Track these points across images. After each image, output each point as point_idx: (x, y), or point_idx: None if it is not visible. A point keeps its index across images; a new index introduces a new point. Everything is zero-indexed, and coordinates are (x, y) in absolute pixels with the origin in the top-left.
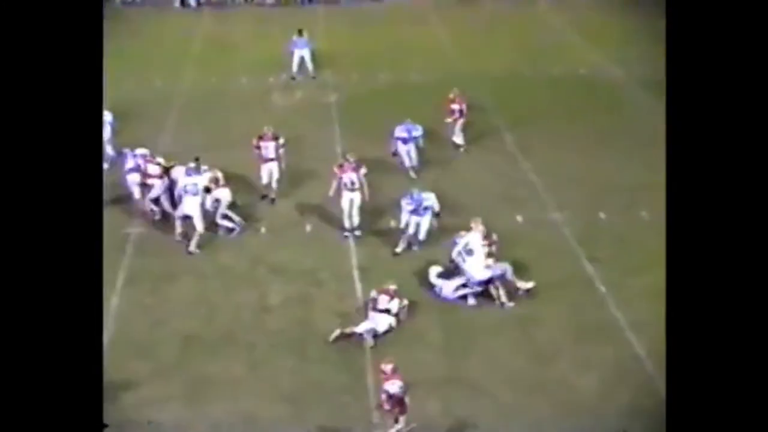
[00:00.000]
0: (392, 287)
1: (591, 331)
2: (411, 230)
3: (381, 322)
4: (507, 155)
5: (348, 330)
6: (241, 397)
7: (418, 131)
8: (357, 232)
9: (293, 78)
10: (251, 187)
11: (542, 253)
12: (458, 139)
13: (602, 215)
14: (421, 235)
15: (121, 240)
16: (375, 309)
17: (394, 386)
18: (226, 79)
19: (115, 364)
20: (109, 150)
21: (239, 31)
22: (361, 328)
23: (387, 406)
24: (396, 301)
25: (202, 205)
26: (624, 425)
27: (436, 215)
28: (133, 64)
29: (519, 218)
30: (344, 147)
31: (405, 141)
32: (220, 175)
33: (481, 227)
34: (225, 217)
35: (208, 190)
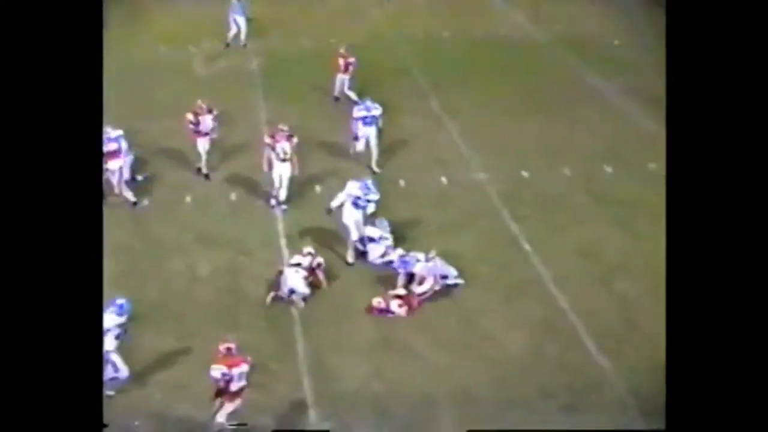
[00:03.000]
0: (306, 249)
1: (518, 289)
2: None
3: (292, 278)
4: (431, 118)
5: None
6: (173, 367)
7: (378, 110)
8: (284, 207)
9: (227, 45)
10: (181, 159)
11: (467, 214)
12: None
13: (525, 174)
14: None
15: None
16: (287, 265)
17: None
18: (145, 50)
19: None
20: None
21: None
22: (281, 290)
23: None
24: (308, 258)
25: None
26: (552, 379)
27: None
28: None
29: (444, 180)
30: (269, 115)
31: (366, 122)
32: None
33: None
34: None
35: None
